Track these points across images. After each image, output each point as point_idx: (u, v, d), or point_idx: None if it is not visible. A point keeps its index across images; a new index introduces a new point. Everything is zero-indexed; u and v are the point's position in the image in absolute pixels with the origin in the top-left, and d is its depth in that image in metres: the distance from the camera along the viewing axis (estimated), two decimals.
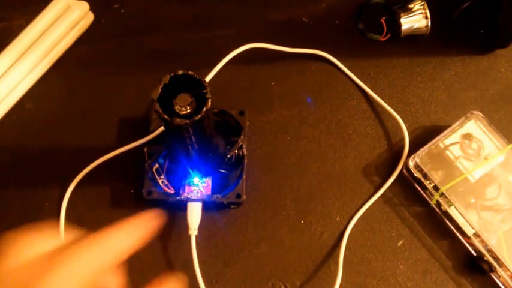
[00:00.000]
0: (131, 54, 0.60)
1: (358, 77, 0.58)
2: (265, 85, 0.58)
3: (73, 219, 0.52)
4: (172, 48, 0.60)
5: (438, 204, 0.51)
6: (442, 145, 0.53)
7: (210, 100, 0.38)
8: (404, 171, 0.53)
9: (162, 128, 0.53)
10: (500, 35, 0.58)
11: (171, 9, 0.62)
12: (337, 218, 0.52)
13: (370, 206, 0.53)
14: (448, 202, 0.50)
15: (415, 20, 0.58)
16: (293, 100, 0.57)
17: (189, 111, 0.38)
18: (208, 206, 0.51)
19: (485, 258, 0.49)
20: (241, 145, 0.52)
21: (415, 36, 0.59)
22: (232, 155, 0.51)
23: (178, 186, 0.51)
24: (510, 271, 0.48)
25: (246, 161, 0.52)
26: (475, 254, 0.50)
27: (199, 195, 0.50)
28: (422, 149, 0.52)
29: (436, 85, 0.58)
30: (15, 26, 0.59)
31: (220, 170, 0.52)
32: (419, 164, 0.52)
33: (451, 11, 0.61)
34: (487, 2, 0.59)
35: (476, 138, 0.53)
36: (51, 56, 0.57)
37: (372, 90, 0.57)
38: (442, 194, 0.50)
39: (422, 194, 0.53)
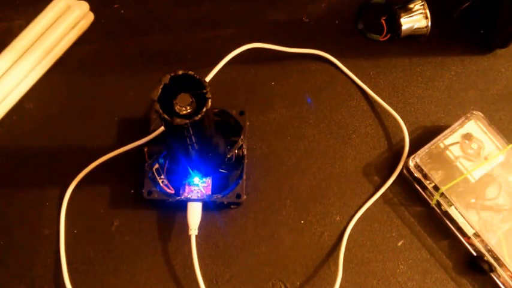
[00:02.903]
0: (131, 54, 0.60)
1: (358, 77, 0.58)
2: (265, 85, 0.58)
3: (73, 219, 0.52)
4: (172, 48, 0.60)
5: (438, 204, 0.51)
6: (442, 145, 0.53)
7: (210, 100, 0.38)
8: (405, 171, 0.53)
9: (162, 128, 0.53)
10: (500, 35, 0.58)
11: (171, 9, 0.62)
12: (337, 218, 0.52)
13: (370, 206, 0.53)
14: (448, 202, 0.50)
15: (415, 20, 0.58)
16: (293, 100, 0.57)
17: (189, 111, 0.38)
18: (208, 206, 0.51)
19: (485, 258, 0.49)
20: (241, 145, 0.52)
21: (415, 36, 0.59)
22: (232, 155, 0.51)
23: (178, 186, 0.51)
24: (510, 271, 0.48)
25: (246, 161, 0.52)
26: (475, 254, 0.50)
27: (199, 195, 0.50)
28: (422, 149, 0.52)
29: (436, 85, 0.58)
30: (15, 26, 0.59)
31: (220, 170, 0.52)
32: (419, 164, 0.52)
33: (451, 11, 0.61)
34: (487, 2, 0.59)
35: (476, 138, 0.53)
36: (51, 56, 0.57)
37: (372, 90, 0.57)
38: (442, 194, 0.50)
39: (422, 194, 0.53)
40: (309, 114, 0.57)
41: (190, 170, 0.50)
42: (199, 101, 0.38)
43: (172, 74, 0.38)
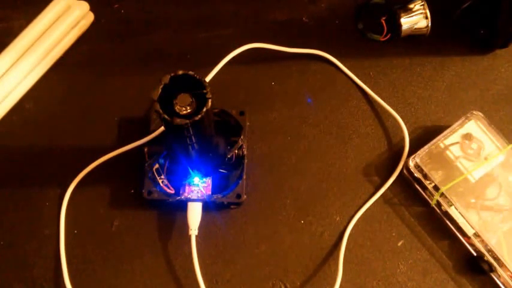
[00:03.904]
0: (131, 54, 0.60)
1: (358, 77, 0.58)
2: (265, 85, 0.58)
3: (73, 219, 0.52)
4: (172, 48, 0.60)
5: (438, 204, 0.51)
6: (442, 145, 0.53)
7: (210, 100, 0.38)
8: (405, 171, 0.53)
9: (162, 128, 0.53)
10: (500, 35, 0.58)
11: (171, 9, 0.62)
12: (337, 218, 0.52)
13: (370, 206, 0.53)
14: (448, 202, 0.50)
15: (415, 20, 0.58)
16: (293, 100, 0.57)
17: (189, 111, 0.38)
18: (209, 206, 0.51)
19: (485, 258, 0.49)
20: (241, 145, 0.52)
21: (415, 36, 0.59)
22: (232, 155, 0.51)
23: (179, 186, 0.51)
24: (510, 271, 0.48)
25: (246, 161, 0.52)
26: (475, 254, 0.50)
27: (199, 195, 0.50)
28: (422, 149, 0.52)
29: (436, 85, 0.58)
30: (15, 26, 0.59)
31: (220, 170, 0.52)
32: (420, 164, 0.52)
33: (451, 11, 0.61)
34: (487, 2, 0.59)
35: (476, 138, 0.53)
36: (51, 56, 0.57)
37: (372, 90, 0.57)
38: (442, 194, 0.50)
39: (422, 194, 0.53)
40: (309, 114, 0.57)
41: (190, 170, 0.50)
42: (199, 101, 0.38)
43: (172, 74, 0.38)
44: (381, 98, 0.57)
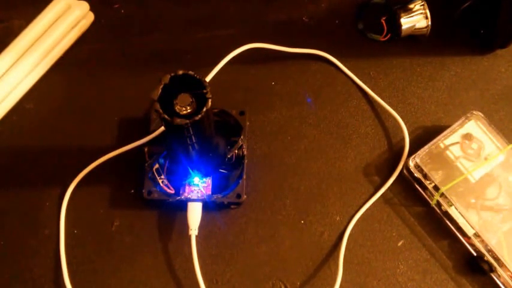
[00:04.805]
0: (131, 54, 0.60)
1: (358, 77, 0.58)
2: (265, 85, 0.58)
3: (73, 219, 0.52)
4: (172, 48, 0.60)
5: (438, 204, 0.51)
6: (442, 145, 0.53)
7: (210, 100, 0.38)
8: (405, 171, 0.53)
9: (162, 128, 0.53)
10: (500, 35, 0.58)
11: (171, 9, 0.62)
12: (337, 218, 0.52)
13: (370, 206, 0.53)
14: (448, 202, 0.50)
15: (415, 20, 0.58)
16: (293, 100, 0.57)
17: (189, 111, 0.38)
18: (209, 206, 0.51)
19: (485, 258, 0.49)
20: (241, 145, 0.52)
21: (415, 36, 0.59)
22: (232, 155, 0.51)
23: (179, 186, 0.51)
24: (510, 271, 0.48)
25: (246, 161, 0.52)
26: (475, 254, 0.50)
27: (199, 195, 0.50)
28: (422, 149, 0.52)
29: (436, 85, 0.58)
30: (15, 26, 0.59)
31: (220, 170, 0.52)
32: (420, 164, 0.52)
33: (451, 11, 0.61)
34: (487, 2, 0.59)
35: (477, 138, 0.53)
36: (51, 56, 0.57)
37: (372, 90, 0.57)
38: (442, 194, 0.50)
39: (422, 194, 0.53)
40: (309, 114, 0.57)
41: (191, 170, 0.50)
42: (199, 101, 0.38)
43: (172, 74, 0.38)
44: (381, 98, 0.57)
